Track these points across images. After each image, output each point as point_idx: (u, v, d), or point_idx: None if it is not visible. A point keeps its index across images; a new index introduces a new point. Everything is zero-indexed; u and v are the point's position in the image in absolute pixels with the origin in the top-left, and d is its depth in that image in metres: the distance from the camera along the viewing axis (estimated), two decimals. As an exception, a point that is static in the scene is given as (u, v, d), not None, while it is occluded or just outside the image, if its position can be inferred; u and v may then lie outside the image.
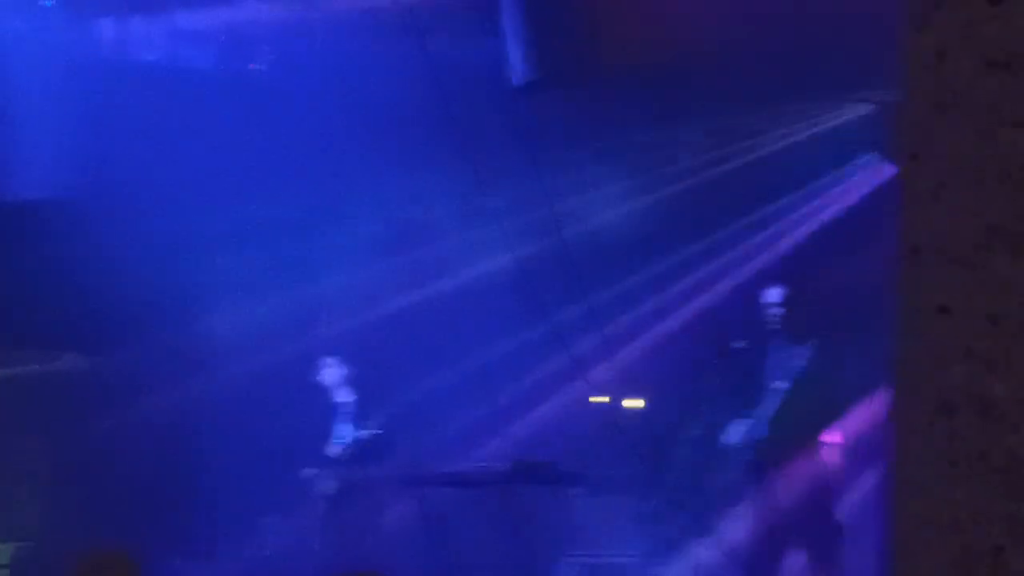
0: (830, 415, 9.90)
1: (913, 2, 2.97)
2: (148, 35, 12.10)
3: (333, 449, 11.97)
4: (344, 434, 11.97)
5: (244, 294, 12.59)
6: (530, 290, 9.75)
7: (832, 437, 9.93)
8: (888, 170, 9.80)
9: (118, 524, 10.96)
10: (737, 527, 10.28)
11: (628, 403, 11.58)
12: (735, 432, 10.05)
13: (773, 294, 10.02)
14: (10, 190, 12.01)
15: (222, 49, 12.19)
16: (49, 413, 11.68)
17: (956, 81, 2.83)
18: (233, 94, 12.32)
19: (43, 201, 12.06)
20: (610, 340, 10.16)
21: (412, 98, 10.76)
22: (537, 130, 8.95)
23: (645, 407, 11.44)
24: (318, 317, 13.03)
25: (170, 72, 12.27)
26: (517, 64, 7.81)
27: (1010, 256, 2.81)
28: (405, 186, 12.84)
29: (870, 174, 10.52)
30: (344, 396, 12.07)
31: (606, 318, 10.75)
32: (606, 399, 11.59)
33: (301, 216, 12.93)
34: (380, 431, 11.81)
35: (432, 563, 11.75)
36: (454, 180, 10.85)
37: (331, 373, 12.08)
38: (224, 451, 12.76)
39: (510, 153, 8.91)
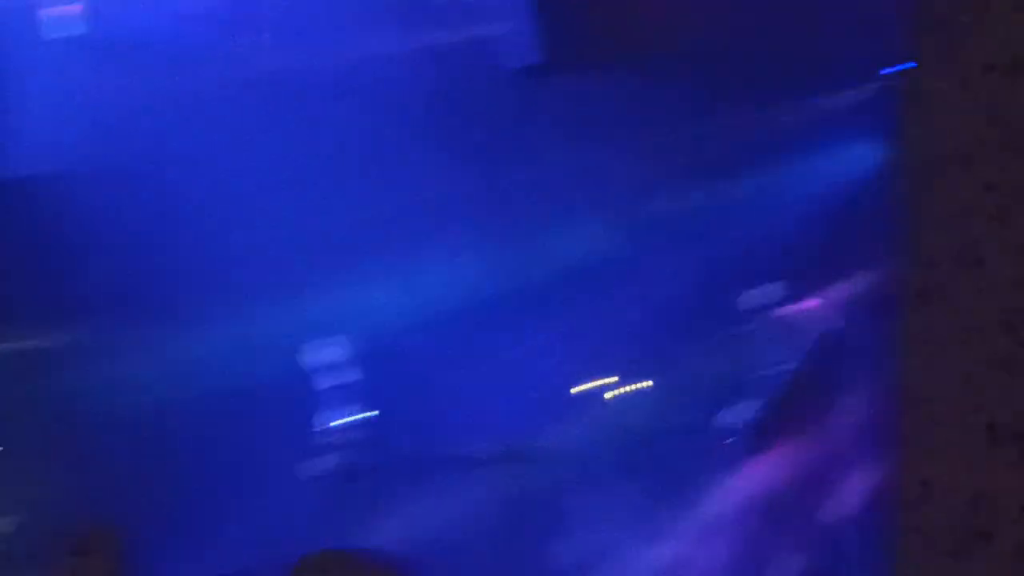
0: (826, 405, 9.90)
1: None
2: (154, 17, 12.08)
3: (330, 432, 11.96)
4: (339, 417, 11.96)
5: (243, 276, 12.56)
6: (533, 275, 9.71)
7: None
8: (890, 153, 9.77)
9: (109, 503, 10.94)
10: (730, 515, 10.28)
11: (622, 388, 11.56)
12: (731, 419, 10.07)
13: (766, 291, 10.08)
14: (8, 165, 11.97)
15: (223, 31, 12.17)
16: (40, 390, 11.66)
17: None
18: (233, 75, 12.29)
19: (41, 176, 12.02)
20: (606, 323, 10.13)
21: (411, 79, 10.74)
22: (538, 114, 8.91)
23: (639, 392, 11.41)
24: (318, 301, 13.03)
25: (174, 53, 12.25)
26: (519, 48, 7.76)
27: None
28: (402, 170, 12.81)
29: (872, 157, 10.50)
30: (340, 378, 12.04)
31: (604, 301, 10.72)
32: (601, 383, 11.58)
33: (301, 200, 12.90)
34: (367, 415, 11.78)
35: (423, 545, 11.74)
36: (453, 163, 10.82)
37: (329, 352, 12.05)
38: (219, 432, 12.74)
39: (510, 137, 8.87)
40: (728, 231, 12.64)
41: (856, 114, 11.16)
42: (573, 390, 11.97)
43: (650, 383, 11.52)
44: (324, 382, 12.19)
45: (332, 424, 11.93)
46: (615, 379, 11.33)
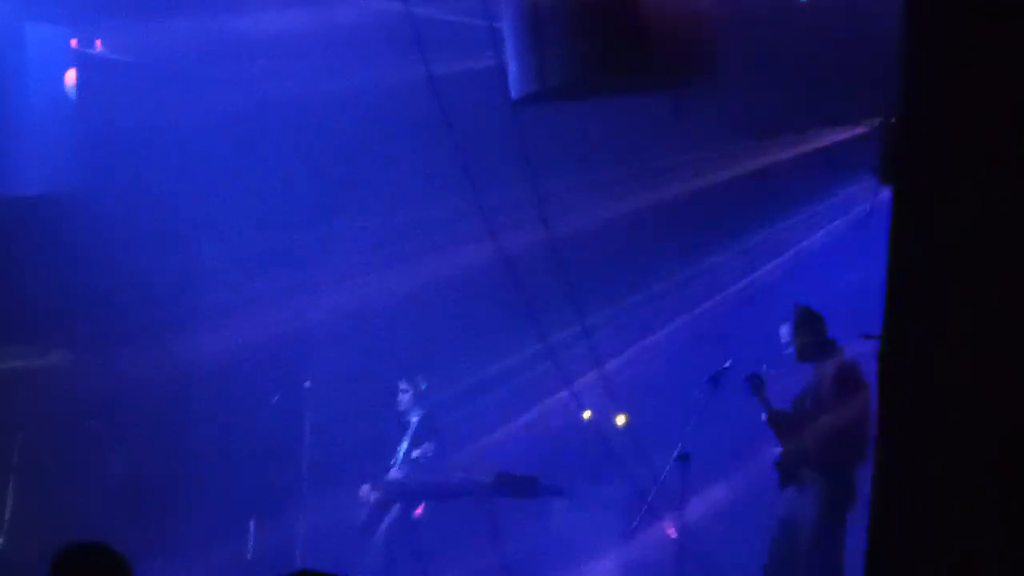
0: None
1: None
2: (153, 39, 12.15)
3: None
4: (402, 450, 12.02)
5: (236, 294, 12.59)
6: (521, 303, 9.76)
7: None
8: (883, 192, 9.84)
9: (100, 521, 10.94)
10: (722, 544, 10.31)
11: (614, 419, 11.58)
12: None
13: (784, 332, 10.12)
14: (1, 186, 12.00)
15: (224, 55, 12.24)
16: (33, 409, 11.65)
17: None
18: (233, 98, 12.35)
19: (33, 197, 12.05)
20: (599, 354, 10.16)
21: (411, 107, 10.79)
22: (534, 142, 8.97)
23: (631, 423, 11.43)
24: (309, 318, 13.07)
25: (170, 73, 12.30)
26: (515, 77, 7.82)
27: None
28: (400, 194, 12.87)
29: (865, 196, 10.56)
30: (415, 416, 12.03)
31: (597, 332, 10.75)
32: (592, 414, 11.60)
33: (298, 220, 12.95)
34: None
35: (409, 573, 11.75)
36: (450, 190, 10.86)
37: (405, 398, 12.04)
38: (209, 452, 12.74)
39: (507, 165, 8.95)
40: (720, 255, 12.72)
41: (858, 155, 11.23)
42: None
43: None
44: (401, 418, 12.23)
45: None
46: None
